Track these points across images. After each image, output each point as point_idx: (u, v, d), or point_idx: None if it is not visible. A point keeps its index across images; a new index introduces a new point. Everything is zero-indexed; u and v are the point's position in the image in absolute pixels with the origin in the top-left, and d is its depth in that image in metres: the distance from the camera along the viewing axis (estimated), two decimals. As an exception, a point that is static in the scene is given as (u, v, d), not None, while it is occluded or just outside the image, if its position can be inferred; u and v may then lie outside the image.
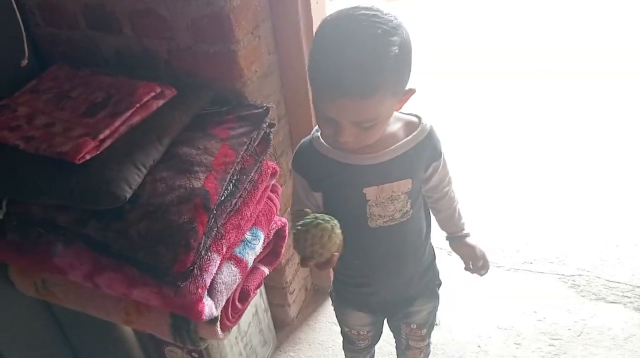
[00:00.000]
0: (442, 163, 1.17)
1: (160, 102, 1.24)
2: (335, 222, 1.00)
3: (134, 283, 1.16)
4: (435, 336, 1.81)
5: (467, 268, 1.34)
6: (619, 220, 2.31)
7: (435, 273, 1.35)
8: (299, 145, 1.17)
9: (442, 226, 1.33)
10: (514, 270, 2.12)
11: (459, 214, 1.31)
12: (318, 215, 1.00)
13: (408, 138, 1.08)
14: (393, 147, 1.07)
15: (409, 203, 1.13)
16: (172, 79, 1.32)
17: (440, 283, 1.37)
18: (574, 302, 1.97)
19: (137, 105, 1.20)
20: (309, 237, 0.97)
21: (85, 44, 1.46)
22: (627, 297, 1.98)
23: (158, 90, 1.24)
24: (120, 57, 1.44)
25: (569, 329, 1.88)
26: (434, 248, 1.33)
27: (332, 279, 1.39)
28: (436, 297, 1.37)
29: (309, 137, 1.15)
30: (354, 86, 0.88)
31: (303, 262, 1.01)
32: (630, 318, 1.90)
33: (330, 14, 0.93)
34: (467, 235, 1.32)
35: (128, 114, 1.18)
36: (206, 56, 1.32)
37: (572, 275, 2.07)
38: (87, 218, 1.14)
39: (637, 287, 2.01)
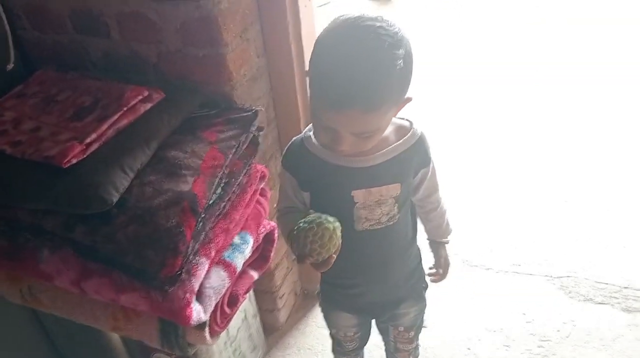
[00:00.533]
0: (431, 170, 1.17)
1: (148, 106, 1.24)
2: (338, 224, 1.01)
3: (121, 288, 1.14)
4: (425, 338, 1.81)
5: (432, 270, 1.36)
6: (607, 222, 2.33)
7: (422, 275, 1.36)
8: (289, 143, 1.16)
9: (429, 233, 1.34)
10: (503, 272, 2.13)
11: (447, 223, 1.32)
12: (322, 214, 1.01)
13: (399, 142, 1.08)
14: (384, 150, 1.07)
15: (396, 207, 1.13)
16: (161, 83, 1.32)
17: (426, 286, 1.38)
18: (562, 304, 1.98)
19: (125, 109, 1.19)
20: (310, 234, 0.98)
21: (73, 47, 1.45)
22: (615, 297, 1.99)
23: (146, 93, 1.24)
24: (109, 61, 1.43)
25: (558, 330, 1.88)
26: (421, 251, 1.34)
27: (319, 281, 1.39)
28: (423, 300, 1.37)
29: (300, 135, 1.15)
30: (360, 100, 0.88)
31: (300, 260, 1.01)
32: (618, 319, 1.91)
33: (334, 22, 0.93)
34: (448, 241, 1.34)
35: (115, 117, 1.18)
36: (195, 59, 1.32)
37: (561, 277, 2.09)
38: (74, 222, 1.13)
39: (625, 287, 2.02)
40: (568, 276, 2.09)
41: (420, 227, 1.31)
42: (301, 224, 1.00)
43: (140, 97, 1.23)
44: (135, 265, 1.11)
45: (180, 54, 1.32)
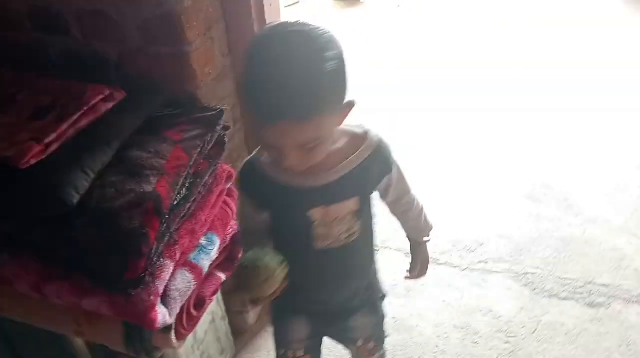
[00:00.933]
0: (395, 175, 1.12)
1: (110, 105, 1.21)
2: (278, 266, 0.98)
3: (84, 292, 1.12)
4: (395, 337, 1.83)
5: (411, 272, 1.35)
6: (570, 218, 2.38)
7: (378, 287, 1.32)
8: (242, 164, 1.11)
9: (409, 233, 1.31)
10: (470, 270, 2.15)
11: (425, 221, 1.29)
12: (267, 254, 0.98)
13: (355, 154, 1.03)
14: (339, 166, 1.02)
15: (356, 224, 1.09)
16: (123, 82, 1.29)
17: (383, 296, 1.34)
18: (528, 300, 2.01)
19: (85, 108, 1.17)
20: (245, 273, 0.96)
21: (32, 46, 1.42)
22: (579, 293, 2.03)
23: (107, 92, 1.21)
24: (69, 60, 1.40)
25: (524, 326, 1.91)
26: (377, 262, 1.29)
27: None
28: (378, 311, 1.33)
29: (252, 156, 1.10)
30: (291, 109, 0.84)
31: (233, 292, 0.99)
32: (583, 314, 1.95)
33: (261, 31, 0.90)
34: (429, 240, 1.33)
35: (75, 117, 1.15)
36: (157, 58, 1.30)
37: (526, 273, 2.12)
38: (33, 225, 1.11)
39: (589, 283, 2.07)
40: (533, 273, 2.12)
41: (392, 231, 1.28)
42: (242, 260, 0.99)
43: (101, 96, 1.20)
44: (97, 268, 1.09)
45: (142, 52, 1.30)
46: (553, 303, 2.00)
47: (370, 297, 1.29)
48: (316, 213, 1.05)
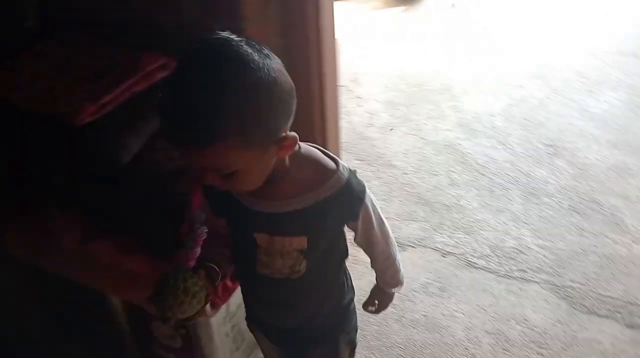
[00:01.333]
0: (362, 225, 1.00)
1: (164, 74, 1.25)
2: (197, 294, 0.93)
3: (126, 251, 1.16)
4: (424, 336, 1.81)
5: (365, 306, 1.26)
6: (615, 236, 2.30)
7: (339, 322, 1.18)
8: None
9: (375, 275, 1.21)
10: (508, 277, 2.10)
11: (393, 276, 1.17)
12: (195, 280, 0.93)
13: (312, 191, 0.91)
14: (291, 199, 0.91)
15: (303, 262, 0.98)
16: (179, 53, 1.32)
17: (354, 346, 1.22)
18: (565, 314, 1.96)
19: (141, 74, 1.21)
20: (159, 288, 0.91)
21: (93, 13, 1.46)
22: (619, 312, 1.96)
23: (163, 61, 1.25)
24: (128, 29, 1.43)
25: (559, 340, 1.86)
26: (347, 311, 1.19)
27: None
28: (339, 350, 1.19)
29: None
30: (187, 134, 0.76)
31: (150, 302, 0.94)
32: (621, 334, 1.88)
33: (192, 46, 0.79)
34: (392, 293, 1.22)
35: (130, 81, 1.19)
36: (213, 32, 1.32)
37: (565, 287, 2.06)
38: (83, 182, 1.15)
39: (630, 303, 1.99)
40: (573, 287, 2.06)
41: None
42: (165, 275, 0.93)
43: (156, 64, 1.24)
44: (141, 228, 1.12)
45: (199, 25, 1.32)
46: (591, 320, 1.94)
47: (327, 332, 1.17)
48: (261, 239, 0.96)
